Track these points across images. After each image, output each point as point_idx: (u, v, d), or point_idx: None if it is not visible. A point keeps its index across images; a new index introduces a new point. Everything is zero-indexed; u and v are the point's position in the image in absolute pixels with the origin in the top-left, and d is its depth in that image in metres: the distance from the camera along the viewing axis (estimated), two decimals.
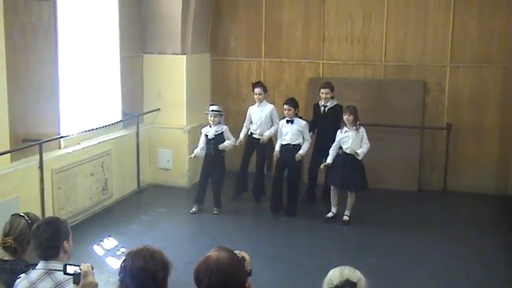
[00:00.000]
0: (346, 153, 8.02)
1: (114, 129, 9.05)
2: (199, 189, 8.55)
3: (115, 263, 6.60)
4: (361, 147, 8.08)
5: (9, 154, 6.83)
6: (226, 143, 8.31)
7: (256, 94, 8.81)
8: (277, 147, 8.47)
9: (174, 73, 9.76)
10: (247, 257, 3.10)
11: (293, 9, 10.24)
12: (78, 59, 8.38)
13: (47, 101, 7.57)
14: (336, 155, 8.16)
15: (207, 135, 8.32)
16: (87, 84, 8.66)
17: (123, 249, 7.08)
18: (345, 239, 7.73)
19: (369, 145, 8.11)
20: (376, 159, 9.60)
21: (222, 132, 8.30)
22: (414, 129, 9.72)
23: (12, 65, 6.85)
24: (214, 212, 8.41)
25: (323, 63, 10.20)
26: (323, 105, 8.81)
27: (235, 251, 3.02)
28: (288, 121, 8.32)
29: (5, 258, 3.66)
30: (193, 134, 9.38)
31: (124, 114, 9.30)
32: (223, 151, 8.39)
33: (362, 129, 8.15)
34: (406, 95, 9.73)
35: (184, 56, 9.73)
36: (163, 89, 9.80)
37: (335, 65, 10.15)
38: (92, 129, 8.42)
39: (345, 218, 8.16)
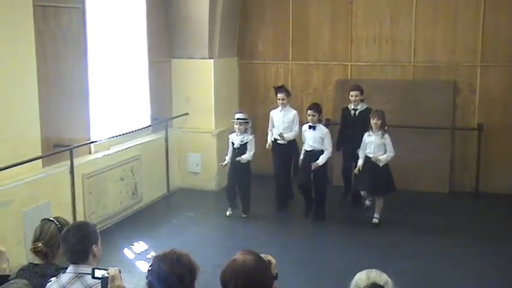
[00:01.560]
0: (370, 158, 7.94)
1: (143, 134, 9.13)
2: (229, 195, 8.53)
3: (145, 267, 6.63)
4: (382, 154, 7.92)
5: (40, 160, 6.94)
6: (244, 156, 8.22)
7: (279, 99, 8.62)
8: (301, 155, 8.35)
9: (202, 77, 9.81)
10: (273, 260, 3.09)
11: (320, 11, 10.21)
12: (107, 65, 8.48)
13: (78, 107, 7.68)
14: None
15: (233, 143, 8.33)
16: (116, 90, 8.76)
17: (152, 253, 7.11)
18: (374, 242, 7.64)
19: (393, 153, 7.95)
20: (406, 161, 9.51)
21: (247, 142, 8.26)
22: (445, 130, 9.59)
23: (43, 72, 6.96)
24: (243, 216, 8.44)
25: (351, 65, 10.14)
26: (353, 108, 8.62)
27: (261, 255, 3.02)
28: (310, 127, 8.16)
29: (36, 262, 3.73)
30: (222, 137, 9.40)
31: (153, 119, 9.38)
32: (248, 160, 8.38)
33: (387, 136, 7.96)
34: (436, 95, 9.61)
35: (212, 60, 9.78)
36: (191, 93, 9.86)
37: (363, 66, 10.08)
38: (122, 134, 8.51)
39: (375, 220, 8.08)
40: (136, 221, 8.39)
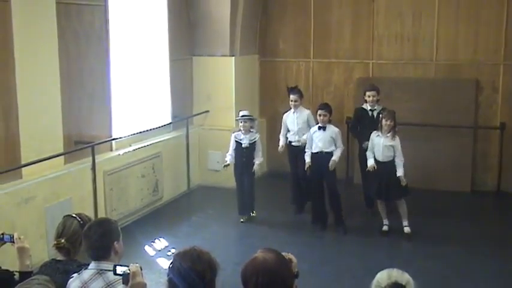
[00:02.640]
0: (380, 161, 7.53)
1: (164, 131, 9.17)
2: (240, 198, 8.31)
3: (165, 264, 6.67)
4: (392, 156, 7.46)
5: (63, 156, 7.01)
6: (257, 166, 8.09)
7: (292, 101, 8.32)
8: (307, 158, 7.83)
9: (223, 75, 9.82)
10: (294, 259, 3.08)
11: (342, 9, 10.16)
12: (128, 63, 8.53)
13: (99, 104, 7.74)
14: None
15: (240, 143, 8.02)
16: (137, 88, 8.80)
17: (173, 250, 7.15)
18: (395, 242, 7.59)
19: (403, 160, 7.48)
20: (427, 160, 9.46)
21: (255, 141, 8.05)
22: (466, 129, 9.49)
23: (65, 69, 7.03)
24: (252, 214, 8.32)
25: (372, 63, 10.09)
26: (370, 109, 8.23)
27: (282, 253, 3.01)
28: (320, 127, 7.76)
29: (58, 258, 3.76)
30: None
31: (174, 116, 9.42)
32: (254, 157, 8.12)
33: (397, 139, 7.50)
34: (458, 94, 9.51)
35: (233, 57, 9.79)
36: (212, 91, 9.88)
37: (384, 64, 10.02)
38: (143, 132, 8.56)
39: (406, 230, 7.60)
40: (156, 218, 8.43)
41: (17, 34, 6.27)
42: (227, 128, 9.72)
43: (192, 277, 2.89)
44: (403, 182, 7.38)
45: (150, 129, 8.75)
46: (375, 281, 2.79)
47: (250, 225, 8.21)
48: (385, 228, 7.71)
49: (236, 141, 8.05)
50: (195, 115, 9.89)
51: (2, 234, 3.79)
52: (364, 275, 6.05)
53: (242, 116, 8.03)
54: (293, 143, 8.41)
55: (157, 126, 8.97)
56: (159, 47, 9.19)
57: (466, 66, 9.58)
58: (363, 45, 10.10)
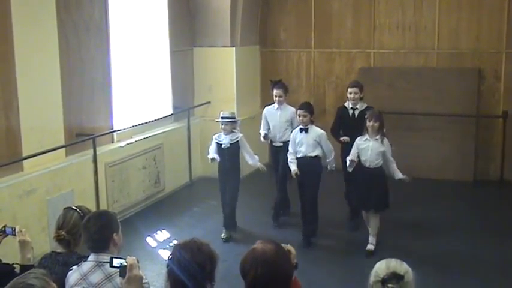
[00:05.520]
0: (366, 166, 6.76)
1: (165, 122, 9.16)
2: (224, 211, 7.58)
3: (167, 255, 6.67)
4: (381, 162, 6.76)
5: (64, 149, 7.01)
6: (260, 165, 7.46)
7: (275, 95, 7.74)
8: (293, 166, 7.04)
9: (224, 66, 9.80)
10: (292, 250, 3.08)
11: None
12: (129, 54, 8.51)
13: (100, 96, 7.73)
14: (355, 168, 6.86)
15: (220, 144, 7.30)
16: (138, 79, 8.79)
17: (174, 241, 7.16)
18: (398, 232, 7.57)
19: (394, 162, 6.81)
20: (430, 150, 9.44)
21: (237, 141, 7.30)
22: (469, 117, 9.45)
23: (66, 61, 7.01)
24: (223, 236, 7.33)
25: (374, 53, 10.05)
26: (351, 107, 7.53)
27: (281, 244, 3.01)
28: (302, 129, 7.04)
29: (58, 251, 3.77)
30: (244, 126, 9.34)
31: (175, 107, 9.40)
32: (238, 162, 7.43)
33: (386, 141, 6.76)
34: (460, 83, 9.47)
35: (234, 48, 9.76)
36: (213, 82, 9.86)
37: (386, 53, 9.98)
38: (144, 123, 8.55)
39: (369, 247, 6.80)
40: (158, 210, 8.44)
41: (17, 26, 6.25)
42: None
43: (192, 268, 2.90)
44: (407, 179, 6.81)
45: (152, 121, 8.74)
46: (373, 272, 2.78)
47: (252, 217, 8.20)
48: (369, 247, 6.82)
49: (217, 143, 7.35)
50: (197, 106, 9.87)
51: (4, 227, 3.80)
52: (364, 264, 6.01)
53: (222, 117, 7.32)
54: (274, 143, 7.86)
55: (159, 117, 8.96)
56: (159, 38, 9.16)
57: (468, 54, 9.54)
58: (364, 35, 10.06)
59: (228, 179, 7.45)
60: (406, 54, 9.86)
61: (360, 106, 7.52)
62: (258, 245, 2.89)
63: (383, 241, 6.97)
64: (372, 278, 2.76)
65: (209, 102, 9.89)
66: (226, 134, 7.29)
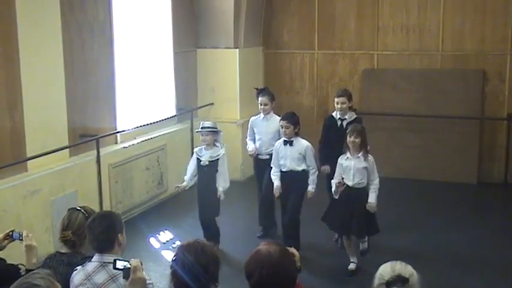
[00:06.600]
0: (349, 186, 6.09)
1: (168, 124, 9.17)
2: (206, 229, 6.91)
3: (170, 256, 6.66)
4: (366, 181, 6.10)
5: (67, 149, 7.02)
6: (221, 188, 6.66)
7: (261, 104, 7.16)
8: (276, 182, 6.54)
9: (227, 67, 9.80)
10: (296, 253, 3.06)
11: None
12: (132, 55, 8.51)
13: (104, 96, 7.74)
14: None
15: (200, 160, 6.69)
16: (141, 80, 8.80)
17: (178, 242, 7.16)
18: (400, 233, 7.56)
19: (378, 185, 6.13)
20: (433, 152, 9.44)
21: (218, 159, 6.64)
22: (473, 120, 9.44)
23: (70, 62, 7.02)
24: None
25: (377, 54, 10.03)
26: (340, 118, 6.91)
27: None
28: (286, 142, 6.52)
29: (62, 251, 3.77)
30: (247, 128, 9.34)
31: (178, 109, 9.41)
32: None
33: (371, 159, 6.11)
34: (464, 85, 9.46)
35: (237, 49, 9.76)
36: (216, 83, 9.86)
37: (390, 55, 9.97)
38: (147, 124, 8.55)
39: (351, 266, 6.28)
40: (161, 211, 8.44)
41: (21, 27, 6.26)
42: (231, 121, 9.72)
43: (195, 270, 2.89)
44: (372, 209, 6.08)
45: (155, 122, 8.74)
46: (377, 274, 2.76)
47: (255, 217, 8.19)
48: (351, 266, 6.31)
49: (197, 158, 6.73)
50: (200, 107, 9.88)
51: (12, 231, 3.82)
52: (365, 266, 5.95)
53: (202, 128, 6.69)
54: (260, 156, 7.24)
55: (162, 118, 8.96)
56: (163, 39, 9.16)
57: (473, 56, 9.52)
58: (368, 36, 10.05)
59: (207, 204, 6.81)
60: (410, 56, 9.85)
61: (349, 116, 6.91)
62: (263, 246, 2.89)
63: (383, 244, 6.92)
64: (376, 281, 2.75)
65: (212, 104, 9.90)
66: (207, 149, 6.65)
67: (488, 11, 9.38)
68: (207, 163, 6.61)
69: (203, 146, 6.71)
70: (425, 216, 8.02)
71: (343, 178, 6.09)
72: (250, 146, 7.36)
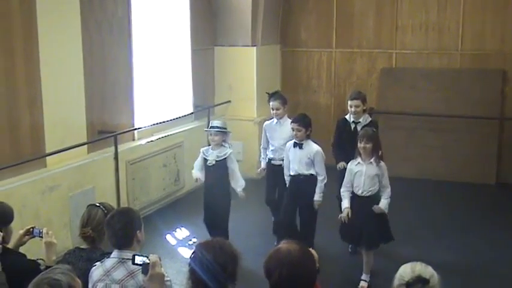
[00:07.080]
0: (358, 195, 5.86)
1: (186, 121, 9.18)
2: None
3: (187, 253, 6.70)
4: (377, 189, 5.83)
5: (86, 146, 7.06)
6: (240, 193, 6.54)
7: (273, 108, 6.94)
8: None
9: (245, 65, 9.80)
10: (315, 254, 3.03)
11: None
12: (151, 53, 8.54)
13: (122, 94, 7.77)
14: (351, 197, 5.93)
15: (206, 159, 6.47)
16: (159, 77, 8.82)
17: (194, 239, 7.18)
18: (417, 232, 7.51)
19: (390, 193, 5.87)
20: (452, 152, 9.37)
21: (225, 158, 6.44)
22: (492, 120, 9.35)
23: (89, 59, 7.06)
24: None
25: (396, 53, 9.97)
26: (353, 121, 6.73)
27: None
28: (295, 144, 6.30)
29: (82, 247, 3.80)
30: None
31: (195, 106, 9.42)
32: (226, 184, 6.52)
33: (383, 165, 5.83)
34: (483, 84, 9.38)
35: (255, 47, 9.75)
36: (233, 81, 9.87)
37: (408, 54, 9.90)
38: (165, 121, 8.57)
39: (362, 284, 5.94)
40: (178, 208, 8.46)
41: (41, 25, 6.30)
42: (249, 118, 9.73)
43: (214, 268, 2.89)
44: (378, 210, 5.78)
45: (172, 119, 8.76)
46: (397, 275, 2.73)
47: (269, 217, 8.18)
48: (362, 284, 5.97)
49: (204, 158, 6.52)
50: (217, 105, 9.88)
51: (32, 228, 3.86)
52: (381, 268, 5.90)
53: (211, 127, 6.46)
54: (273, 162, 7.02)
55: (179, 116, 8.98)
56: (181, 36, 9.18)
57: (493, 56, 9.43)
58: (386, 35, 9.99)
59: (215, 205, 6.53)
60: (429, 55, 9.78)
61: (363, 120, 6.73)
62: (283, 245, 2.87)
63: (402, 241, 6.82)
64: (396, 282, 2.73)
65: (229, 101, 9.90)
66: (214, 149, 6.43)
67: (508, 10, 9.28)
68: (213, 163, 6.40)
69: (210, 146, 6.53)
70: (442, 217, 7.95)
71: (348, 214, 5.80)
72: (262, 164, 7.24)
